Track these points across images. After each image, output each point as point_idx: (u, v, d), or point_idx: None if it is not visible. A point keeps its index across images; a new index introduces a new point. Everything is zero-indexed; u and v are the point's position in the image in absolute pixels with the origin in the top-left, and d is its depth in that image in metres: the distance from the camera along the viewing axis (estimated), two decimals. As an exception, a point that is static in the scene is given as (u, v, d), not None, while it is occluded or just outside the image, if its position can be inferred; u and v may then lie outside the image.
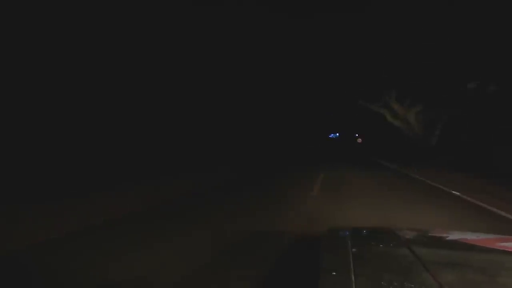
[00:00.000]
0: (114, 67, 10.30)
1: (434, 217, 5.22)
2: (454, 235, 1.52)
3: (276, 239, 3.92)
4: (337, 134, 52.80)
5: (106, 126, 10.09)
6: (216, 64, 15.95)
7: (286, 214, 5.22)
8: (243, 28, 15.77)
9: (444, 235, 1.56)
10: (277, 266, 3.05)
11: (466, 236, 1.53)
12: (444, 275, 0.94)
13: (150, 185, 8.10)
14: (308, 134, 42.60)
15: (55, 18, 8.52)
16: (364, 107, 20.57)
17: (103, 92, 9.95)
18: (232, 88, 18.39)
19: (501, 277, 0.96)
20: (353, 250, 1.17)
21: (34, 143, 7.94)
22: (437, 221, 4.97)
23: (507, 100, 13.04)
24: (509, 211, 5.68)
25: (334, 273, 0.97)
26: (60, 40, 8.72)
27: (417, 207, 6.07)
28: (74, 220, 4.63)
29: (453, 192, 7.77)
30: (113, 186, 7.52)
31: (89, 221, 4.59)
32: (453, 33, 12.27)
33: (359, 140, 34.19)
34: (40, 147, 8.01)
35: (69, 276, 2.80)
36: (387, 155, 20.10)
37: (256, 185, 8.64)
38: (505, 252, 1.22)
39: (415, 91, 16.32)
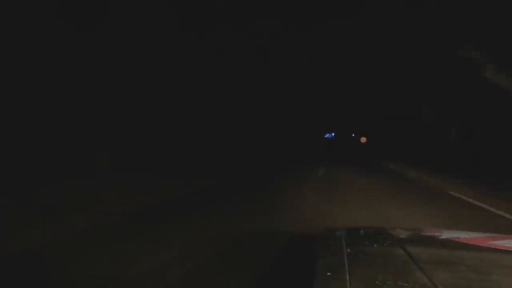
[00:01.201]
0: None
1: None
2: (447, 234, 1.54)
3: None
4: (333, 134, 53.02)
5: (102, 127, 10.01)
6: (212, 68, 16.03)
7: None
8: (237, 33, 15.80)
9: (437, 234, 1.57)
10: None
11: (459, 235, 1.54)
12: (437, 274, 0.95)
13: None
14: (303, 134, 41.30)
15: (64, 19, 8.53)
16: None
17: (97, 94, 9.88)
18: (228, 91, 18.43)
19: (494, 275, 0.97)
20: (348, 250, 1.18)
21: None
22: None
23: None
24: None
25: (329, 273, 0.98)
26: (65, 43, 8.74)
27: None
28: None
29: None
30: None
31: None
32: None
33: (363, 139, 29.55)
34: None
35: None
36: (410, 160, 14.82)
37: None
38: (497, 250, 1.24)
39: None
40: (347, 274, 0.95)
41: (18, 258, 3.24)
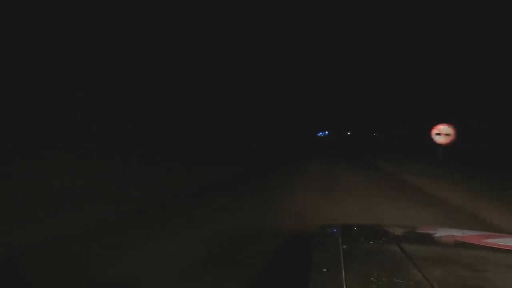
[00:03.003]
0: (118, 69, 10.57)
1: None
2: (441, 232, 1.55)
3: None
4: (326, 132, 52.21)
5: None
6: (211, 69, 16.29)
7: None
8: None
9: (432, 231, 1.59)
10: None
11: (453, 232, 1.56)
12: (431, 271, 0.96)
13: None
14: (294, 133, 37.59)
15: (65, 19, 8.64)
16: None
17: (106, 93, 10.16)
18: (226, 91, 18.58)
19: (487, 273, 0.98)
20: (344, 247, 1.18)
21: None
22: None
23: None
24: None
25: (325, 270, 0.98)
26: (68, 42, 8.87)
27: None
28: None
29: None
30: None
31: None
32: None
33: (446, 136, 10.53)
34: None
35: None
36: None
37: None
38: (491, 249, 1.25)
39: None
40: (343, 271, 0.95)
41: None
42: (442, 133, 10.68)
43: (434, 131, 10.78)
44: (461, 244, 1.33)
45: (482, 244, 1.30)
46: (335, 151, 24.37)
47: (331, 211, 5.46)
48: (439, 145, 10.85)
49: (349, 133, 45.09)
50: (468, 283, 0.92)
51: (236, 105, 21.61)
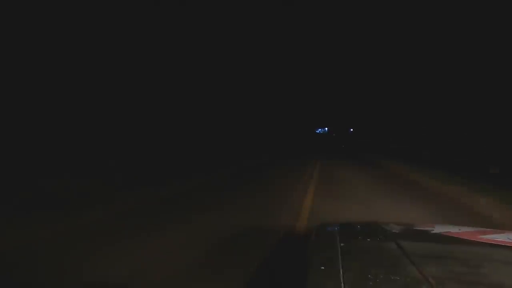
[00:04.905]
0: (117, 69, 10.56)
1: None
2: (438, 229, 1.56)
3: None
4: (326, 129, 51.14)
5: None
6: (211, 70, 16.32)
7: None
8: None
9: (429, 228, 1.60)
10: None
11: (450, 229, 1.57)
12: (429, 268, 0.97)
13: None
14: (290, 130, 35.76)
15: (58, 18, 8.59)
16: None
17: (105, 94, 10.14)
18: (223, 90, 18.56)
19: (484, 269, 0.99)
20: (341, 244, 1.19)
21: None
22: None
23: None
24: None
25: (323, 267, 0.99)
26: (63, 41, 8.82)
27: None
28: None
29: None
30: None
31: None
32: None
33: None
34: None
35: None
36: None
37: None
38: (486, 245, 1.26)
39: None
40: (341, 268, 0.96)
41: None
42: None
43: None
44: (457, 241, 1.34)
45: (479, 240, 1.31)
46: (335, 153, 20.66)
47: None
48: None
49: (351, 130, 43.88)
50: (465, 279, 0.93)
51: (221, 101, 21.05)
